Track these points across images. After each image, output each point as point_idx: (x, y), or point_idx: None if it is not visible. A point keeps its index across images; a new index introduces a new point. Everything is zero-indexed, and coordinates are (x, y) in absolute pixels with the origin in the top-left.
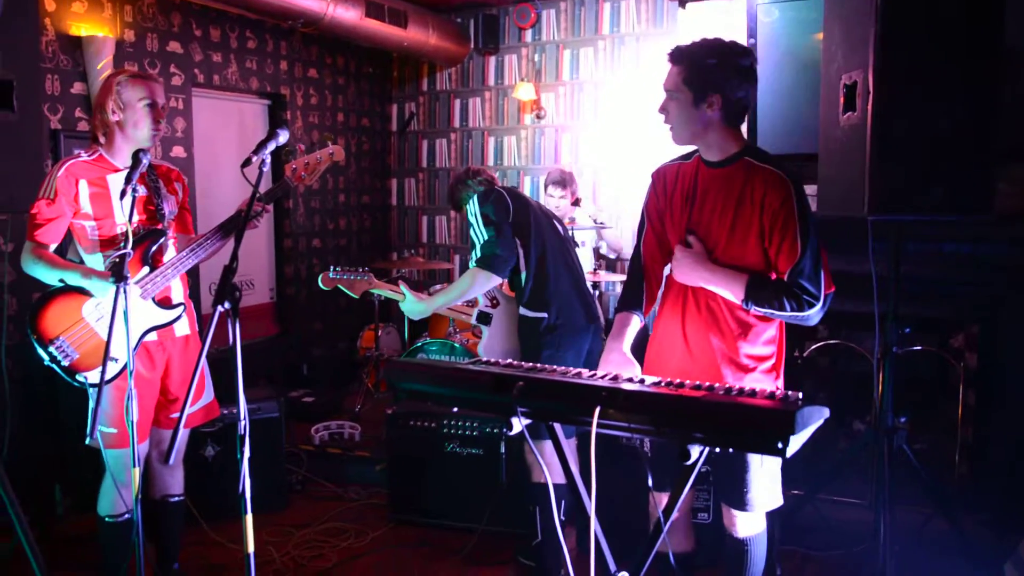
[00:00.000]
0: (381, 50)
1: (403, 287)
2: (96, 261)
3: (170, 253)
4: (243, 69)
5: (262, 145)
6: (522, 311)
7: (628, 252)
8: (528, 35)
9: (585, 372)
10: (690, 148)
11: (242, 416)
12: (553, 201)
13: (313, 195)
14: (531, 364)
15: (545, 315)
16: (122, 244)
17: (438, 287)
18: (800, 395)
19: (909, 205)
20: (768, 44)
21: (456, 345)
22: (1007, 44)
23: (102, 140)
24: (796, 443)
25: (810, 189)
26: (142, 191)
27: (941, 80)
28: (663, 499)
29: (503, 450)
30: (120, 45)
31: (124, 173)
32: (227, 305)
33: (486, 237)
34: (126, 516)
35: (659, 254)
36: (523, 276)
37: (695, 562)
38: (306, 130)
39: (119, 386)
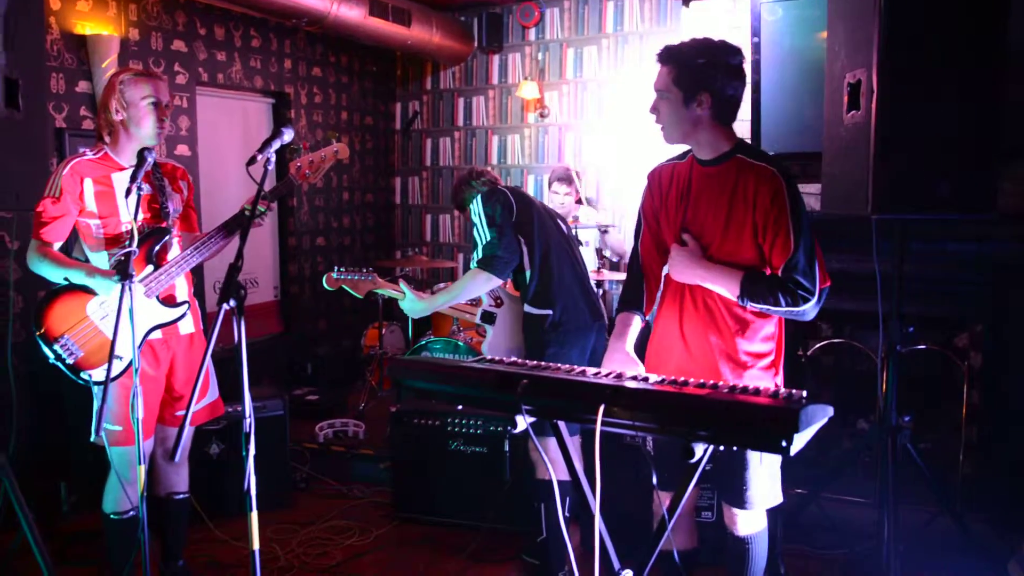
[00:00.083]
0: (385, 48)
1: (403, 285)
2: (101, 259)
3: (174, 251)
4: (247, 68)
5: (267, 144)
6: (527, 308)
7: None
8: (532, 34)
9: (589, 370)
10: (683, 148)
11: (247, 414)
12: (558, 198)
13: (317, 193)
14: (535, 362)
15: (550, 312)
16: (127, 242)
17: (441, 285)
18: (804, 393)
19: (913, 204)
20: (772, 43)
21: (460, 344)
22: (1011, 43)
23: (107, 139)
24: (800, 441)
25: (813, 188)
26: (147, 189)
27: (945, 79)
28: (667, 497)
29: (507, 448)
30: (125, 44)
31: (129, 171)
32: (232, 303)
33: (488, 238)
34: (131, 513)
35: (656, 254)
36: (527, 274)
37: (698, 560)
38: (310, 128)
39: (124, 384)
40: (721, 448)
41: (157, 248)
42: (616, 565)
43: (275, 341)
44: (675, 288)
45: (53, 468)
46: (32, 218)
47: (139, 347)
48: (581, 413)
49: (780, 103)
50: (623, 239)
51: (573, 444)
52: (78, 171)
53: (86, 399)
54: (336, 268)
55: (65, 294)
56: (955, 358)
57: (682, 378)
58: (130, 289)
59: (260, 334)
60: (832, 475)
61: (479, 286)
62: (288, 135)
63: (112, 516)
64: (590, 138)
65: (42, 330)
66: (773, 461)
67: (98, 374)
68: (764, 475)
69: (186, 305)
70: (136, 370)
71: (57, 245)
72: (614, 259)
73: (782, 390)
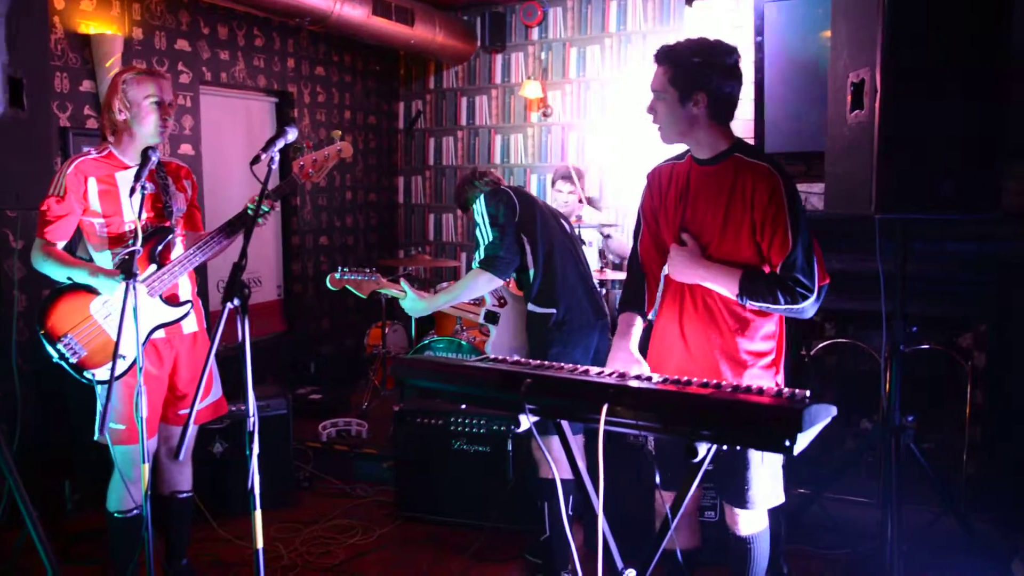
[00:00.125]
0: (388, 48)
1: (404, 284)
2: (105, 258)
3: (178, 251)
4: (250, 67)
5: (271, 143)
6: (531, 307)
7: None
8: (535, 33)
9: (592, 370)
10: (682, 148)
11: (252, 412)
12: (561, 197)
13: (320, 193)
14: (538, 361)
15: (554, 311)
16: (131, 241)
17: (444, 285)
18: (807, 393)
19: (916, 203)
20: (775, 42)
21: (463, 343)
22: (1015, 42)
23: (111, 139)
24: (804, 441)
25: (817, 187)
26: (151, 188)
27: (949, 78)
28: (669, 497)
29: (510, 448)
30: (128, 43)
31: (133, 170)
32: (236, 302)
33: (490, 238)
34: (135, 512)
35: (656, 254)
36: (531, 273)
37: (701, 559)
38: (313, 128)
39: (128, 383)
40: (724, 448)
41: (160, 247)
42: (619, 564)
43: (278, 340)
44: (675, 288)
45: (57, 466)
46: (36, 217)
47: (143, 345)
48: (584, 412)
49: (783, 103)
50: (625, 242)
51: (576, 443)
52: (82, 170)
53: (89, 398)
54: (339, 268)
55: (68, 293)
56: (959, 358)
57: (685, 378)
58: (134, 288)
59: (263, 333)
60: (835, 475)
61: (481, 286)
62: (292, 134)
63: (116, 514)
64: (593, 138)
65: (45, 329)
66: (774, 461)
67: (101, 373)
68: (765, 475)
69: (189, 304)
70: (140, 369)
71: (61, 244)
72: (616, 261)
73: (785, 390)
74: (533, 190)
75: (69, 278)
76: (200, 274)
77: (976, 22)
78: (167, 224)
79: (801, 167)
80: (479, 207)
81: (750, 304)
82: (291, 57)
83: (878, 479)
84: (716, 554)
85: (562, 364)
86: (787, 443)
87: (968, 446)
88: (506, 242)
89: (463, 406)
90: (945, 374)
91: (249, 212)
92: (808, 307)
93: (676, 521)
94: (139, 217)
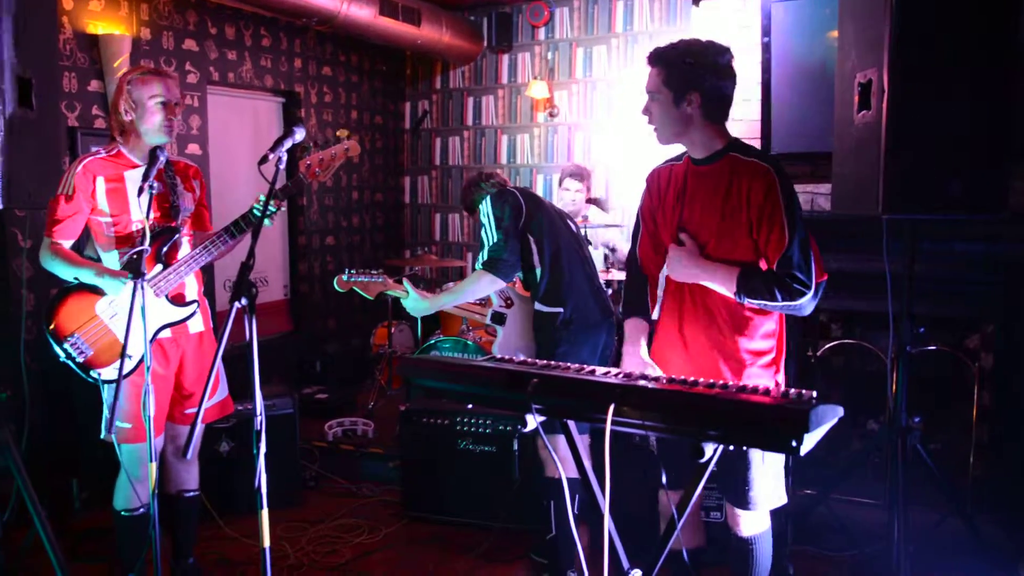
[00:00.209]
0: (395, 48)
1: (406, 284)
2: (112, 258)
3: (184, 250)
4: (258, 67)
5: (279, 143)
6: (538, 306)
7: None
8: (541, 33)
9: (599, 369)
10: (679, 149)
11: (259, 412)
12: (568, 195)
13: (327, 192)
14: (545, 361)
15: (561, 310)
16: (139, 241)
17: (451, 284)
18: (814, 394)
19: (924, 204)
20: (782, 42)
21: (469, 343)
22: (1023, 41)
23: (119, 138)
24: (810, 441)
25: (824, 188)
26: (159, 188)
27: (956, 78)
28: (674, 497)
29: (516, 448)
30: (136, 43)
31: (142, 170)
32: (244, 301)
33: (495, 240)
34: (141, 510)
35: (655, 255)
36: (538, 272)
37: (705, 559)
38: (320, 127)
39: (134, 382)
40: (731, 448)
41: (167, 247)
42: (625, 564)
43: (285, 340)
44: (674, 288)
45: (64, 465)
46: (44, 216)
47: (150, 344)
48: (591, 413)
49: (790, 103)
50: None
51: (582, 443)
52: (91, 170)
53: (96, 397)
54: (347, 270)
55: (75, 293)
56: (966, 359)
57: (692, 378)
58: (142, 288)
59: (270, 332)
60: (842, 476)
61: (483, 288)
62: (300, 134)
63: (123, 513)
64: (599, 138)
65: (52, 328)
66: (776, 461)
67: (107, 372)
68: (767, 475)
69: (195, 304)
70: (148, 368)
71: (69, 243)
72: (621, 266)
73: (792, 390)
74: (539, 190)
75: (76, 278)
76: (207, 274)
77: (984, 22)
78: (173, 224)
79: (807, 168)
80: (485, 208)
81: (748, 302)
82: (298, 57)
83: (884, 480)
84: (721, 554)
85: (568, 364)
86: (794, 444)
87: (975, 447)
88: (510, 245)
89: (469, 406)
90: (952, 375)
91: (256, 212)
92: (806, 304)
93: (683, 521)
94: (147, 217)
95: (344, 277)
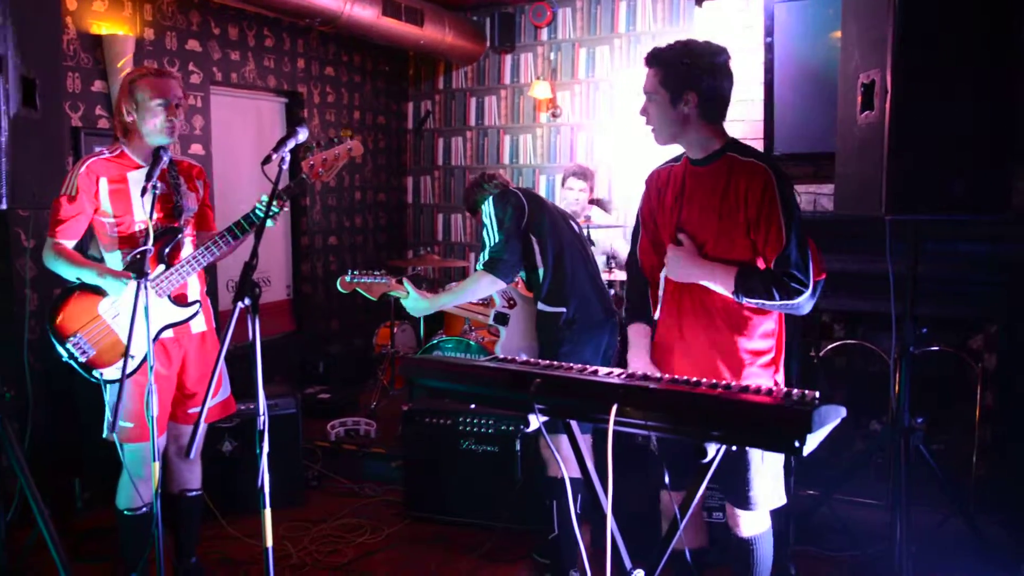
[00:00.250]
0: (398, 48)
1: (406, 284)
2: (115, 259)
3: (187, 251)
4: (261, 67)
5: (282, 143)
6: (540, 306)
7: None
8: (544, 33)
9: (602, 370)
10: (678, 150)
11: (261, 412)
12: (572, 194)
13: (330, 193)
14: (548, 361)
15: (564, 310)
16: (143, 241)
17: (452, 285)
18: (817, 394)
19: (927, 204)
20: (785, 43)
21: (471, 343)
22: None
23: (123, 139)
24: (813, 442)
25: (827, 188)
26: (162, 188)
27: (959, 79)
28: (676, 497)
29: (519, 448)
30: (140, 43)
31: (145, 170)
32: (247, 301)
33: (496, 241)
34: (144, 510)
35: (655, 257)
36: (540, 272)
37: (708, 560)
38: (323, 128)
39: (137, 381)
40: (734, 448)
41: (169, 248)
42: (628, 564)
43: (287, 340)
44: (674, 289)
45: (67, 465)
46: (48, 216)
47: (152, 342)
48: (594, 413)
49: (793, 103)
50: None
51: (584, 442)
52: (94, 170)
53: (98, 397)
54: (350, 271)
55: (78, 293)
56: (969, 359)
57: (694, 378)
58: (145, 288)
59: (273, 333)
60: (844, 476)
61: (483, 288)
62: (303, 134)
63: (126, 512)
64: (602, 138)
65: (55, 328)
66: (775, 462)
67: (109, 372)
68: (767, 476)
69: (197, 305)
70: (151, 368)
71: (72, 244)
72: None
73: (795, 391)
74: (541, 191)
75: (78, 278)
76: (210, 274)
77: (987, 22)
78: (176, 224)
79: (810, 168)
80: (488, 208)
81: (746, 301)
82: (301, 57)
83: (887, 481)
84: (724, 554)
85: (571, 364)
86: (796, 444)
87: (978, 448)
88: (511, 245)
89: (472, 406)
90: (955, 375)
91: (259, 212)
92: (804, 302)
93: (685, 521)
94: (150, 217)
95: (347, 278)
